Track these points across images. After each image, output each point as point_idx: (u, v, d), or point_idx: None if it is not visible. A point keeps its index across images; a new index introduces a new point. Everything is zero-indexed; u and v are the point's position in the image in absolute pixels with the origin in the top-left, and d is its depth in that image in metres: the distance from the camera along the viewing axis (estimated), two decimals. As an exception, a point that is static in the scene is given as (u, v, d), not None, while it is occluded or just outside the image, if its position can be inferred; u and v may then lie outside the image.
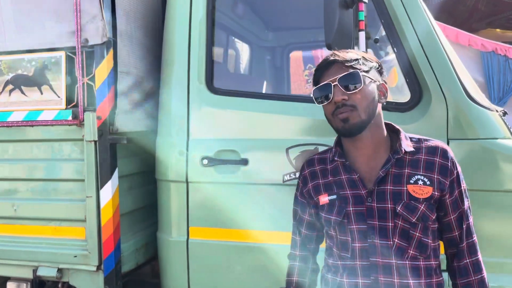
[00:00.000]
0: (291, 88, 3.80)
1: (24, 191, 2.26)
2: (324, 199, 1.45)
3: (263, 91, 2.97)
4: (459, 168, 1.40)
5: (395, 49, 1.96)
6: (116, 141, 2.11)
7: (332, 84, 1.36)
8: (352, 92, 1.33)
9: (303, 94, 3.61)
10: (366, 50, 1.84)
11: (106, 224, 2.12)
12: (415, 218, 1.33)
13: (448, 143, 1.86)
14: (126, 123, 2.21)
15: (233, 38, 2.97)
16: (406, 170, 1.36)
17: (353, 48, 1.76)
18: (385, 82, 1.44)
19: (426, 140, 1.42)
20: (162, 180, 2.28)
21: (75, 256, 2.19)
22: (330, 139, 1.98)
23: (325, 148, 1.99)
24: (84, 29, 2.09)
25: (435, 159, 1.36)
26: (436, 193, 1.34)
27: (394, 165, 1.37)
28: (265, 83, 3.16)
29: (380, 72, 1.42)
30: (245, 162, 2.10)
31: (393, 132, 1.46)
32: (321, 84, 1.39)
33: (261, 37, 3.39)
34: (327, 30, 1.67)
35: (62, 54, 2.16)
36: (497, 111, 2.03)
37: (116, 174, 2.15)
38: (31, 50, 2.19)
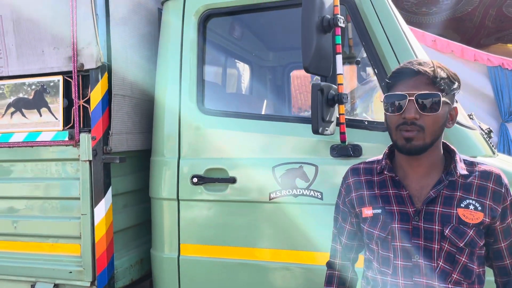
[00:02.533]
0: (291, 107, 3.88)
1: (24, 209, 2.36)
2: (368, 211, 1.41)
3: (256, 110, 3.03)
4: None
5: (375, 69, 2.02)
6: (110, 161, 2.20)
7: (408, 98, 1.28)
8: (426, 113, 1.28)
9: (289, 114, 3.66)
10: (343, 72, 1.90)
11: (99, 241, 2.20)
12: (463, 243, 1.29)
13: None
14: (122, 143, 2.30)
15: (227, 57, 3.06)
16: (457, 193, 1.32)
17: (331, 71, 1.82)
18: (457, 106, 1.40)
19: (480, 164, 1.38)
20: (155, 198, 2.35)
21: (70, 272, 2.26)
22: (314, 158, 2.04)
23: (307, 165, 2.05)
24: (80, 55, 2.21)
25: (488, 184, 1.32)
26: (487, 219, 1.30)
27: (446, 186, 1.33)
28: (257, 102, 3.24)
29: (455, 93, 1.37)
30: (233, 180, 2.16)
31: (448, 152, 1.41)
32: (396, 93, 1.31)
33: (260, 57, 3.48)
34: (305, 53, 1.74)
35: (60, 78, 2.27)
36: (482, 129, 2.06)
37: (109, 192, 2.23)
38: (32, 74, 2.31)
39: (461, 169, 1.35)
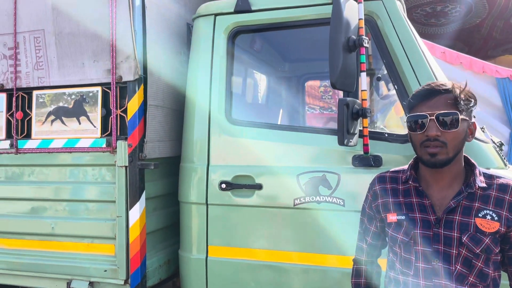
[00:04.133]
0: (306, 115, 4.03)
1: (61, 210, 2.52)
2: (392, 217, 1.53)
3: (280, 120, 3.19)
4: None
5: (395, 86, 2.16)
6: (144, 167, 2.35)
7: (429, 118, 1.41)
8: (447, 130, 1.40)
9: (314, 126, 3.81)
10: (369, 88, 2.04)
11: (133, 242, 2.35)
12: (479, 250, 1.40)
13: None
14: (154, 150, 2.46)
15: (252, 70, 3.23)
16: (476, 204, 1.43)
17: (355, 86, 1.97)
18: (475, 121, 1.50)
19: (498, 177, 1.47)
20: (184, 202, 2.50)
21: (105, 271, 2.41)
22: (336, 167, 2.19)
23: (330, 174, 2.19)
24: (119, 68, 2.37)
25: (506, 196, 1.43)
26: (502, 228, 1.40)
27: (466, 197, 1.44)
28: (281, 112, 3.40)
29: (473, 110, 1.47)
30: (259, 186, 2.31)
31: (468, 165, 1.52)
32: (418, 114, 1.44)
33: (278, 68, 3.64)
34: (332, 70, 1.88)
35: (98, 89, 2.44)
36: (494, 142, 2.19)
37: (143, 196, 2.39)
38: (72, 85, 2.48)
39: (480, 182, 1.46)
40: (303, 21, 2.35)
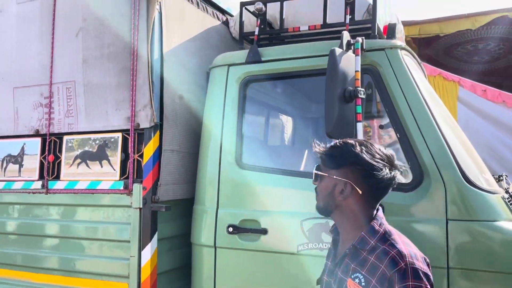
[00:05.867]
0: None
1: (82, 248, 2.68)
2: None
3: (287, 164, 3.23)
4: (404, 284, 1.31)
5: (397, 135, 2.17)
6: (157, 209, 2.48)
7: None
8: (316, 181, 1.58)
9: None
10: (370, 137, 2.06)
11: (144, 282, 2.45)
12: None
13: (447, 224, 1.99)
14: (168, 192, 2.58)
15: (263, 115, 3.33)
16: (353, 264, 1.45)
17: (354, 137, 2.00)
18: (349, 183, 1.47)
19: (391, 242, 1.40)
20: (195, 244, 2.58)
21: (118, 308, 2.52)
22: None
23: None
24: (137, 115, 2.56)
25: (380, 265, 1.37)
26: None
27: (351, 255, 1.47)
28: (289, 155, 3.45)
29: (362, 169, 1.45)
30: (264, 231, 2.35)
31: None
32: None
33: (288, 112, 3.70)
34: (328, 120, 1.94)
35: (119, 135, 2.63)
36: (508, 191, 2.12)
37: (155, 237, 2.50)
38: (96, 131, 2.69)
39: (364, 242, 1.43)
40: (309, 71, 2.44)
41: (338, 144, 1.53)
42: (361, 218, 1.49)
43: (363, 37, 2.20)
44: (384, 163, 1.45)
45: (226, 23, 3.32)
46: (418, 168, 2.10)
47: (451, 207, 2.01)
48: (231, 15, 3.41)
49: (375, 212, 1.52)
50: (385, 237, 1.43)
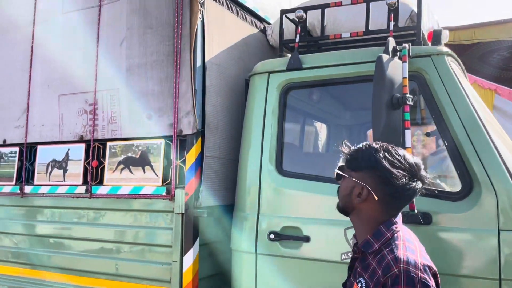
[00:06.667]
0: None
1: (125, 252, 2.73)
2: None
3: (328, 171, 3.21)
4: None
5: (445, 142, 2.13)
6: (199, 214, 2.51)
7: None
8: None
9: None
10: (415, 145, 2.04)
11: (186, 287, 2.47)
12: None
13: (499, 234, 1.93)
14: (209, 198, 2.61)
15: (304, 122, 3.33)
16: (359, 268, 1.45)
17: (400, 145, 1.98)
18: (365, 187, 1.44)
19: (392, 249, 1.36)
20: (235, 250, 2.59)
21: (160, 313, 2.55)
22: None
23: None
24: (180, 122, 2.60)
25: (378, 270, 1.35)
26: None
27: (360, 259, 1.48)
28: (329, 162, 3.42)
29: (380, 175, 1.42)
30: (307, 239, 2.34)
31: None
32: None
33: (325, 119, 3.69)
34: (375, 127, 1.92)
35: (162, 141, 2.67)
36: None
37: (197, 242, 2.52)
38: (139, 137, 2.75)
39: (369, 246, 1.42)
40: (352, 78, 2.43)
41: (363, 147, 1.52)
42: (373, 223, 1.46)
43: (409, 43, 2.18)
44: (405, 173, 1.41)
45: (263, 31, 3.35)
46: (467, 177, 2.05)
47: (503, 217, 1.95)
48: (269, 23, 3.43)
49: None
50: (389, 242, 1.40)
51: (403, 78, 2.03)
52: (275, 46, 3.40)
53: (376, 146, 1.49)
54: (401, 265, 1.29)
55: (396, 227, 1.44)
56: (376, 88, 1.94)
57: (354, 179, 1.47)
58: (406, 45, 2.13)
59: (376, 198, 1.42)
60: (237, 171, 2.73)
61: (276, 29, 3.29)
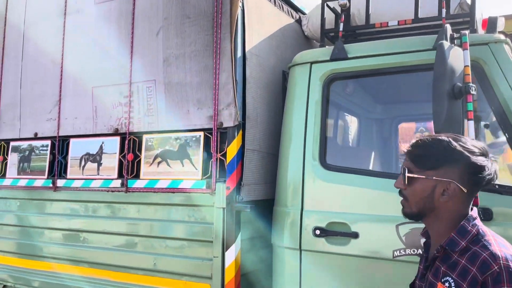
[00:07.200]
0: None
1: (163, 247, 2.67)
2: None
3: (374, 165, 3.12)
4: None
5: (506, 134, 2.03)
6: (241, 209, 2.43)
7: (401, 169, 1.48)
8: (408, 186, 1.42)
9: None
10: (477, 137, 1.94)
11: (229, 283, 2.40)
12: None
13: None
14: (250, 193, 2.54)
15: (346, 115, 3.24)
16: (443, 268, 1.36)
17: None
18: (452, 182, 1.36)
19: (482, 244, 1.30)
20: (277, 246, 2.52)
21: (201, 310, 2.49)
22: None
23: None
24: (220, 114, 2.52)
25: (472, 268, 1.27)
26: None
27: (441, 258, 1.38)
28: (376, 157, 3.33)
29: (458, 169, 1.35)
30: (355, 235, 2.26)
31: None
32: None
33: (374, 112, 3.60)
34: (436, 119, 1.83)
35: (201, 134, 2.60)
36: None
37: (239, 238, 2.45)
38: (177, 130, 2.68)
39: (454, 244, 1.34)
40: (401, 67, 2.33)
41: (428, 141, 1.42)
42: (457, 219, 1.39)
43: (468, 30, 2.07)
44: (485, 157, 1.37)
45: (299, 21, 3.26)
46: (531, 170, 1.96)
47: None
48: (304, 13, 3.34)
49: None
50: (478, 238, 1.33)
51: (465, 66, 1.94)
52: (310, 37, 3.31)
53: (445, 138, 1.40)
54: (501, 262, 1.22)
55: (477, 222, 1.38)
56: (437, 77, 1.84)
57: (434, 177, 1.37)
58: (466, 31, 2.03)
59: (466, 191, 1.35)
60: (276, 165, 2.65)
61: (312, 19, 3.20)
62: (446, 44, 1.88)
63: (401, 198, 1.47)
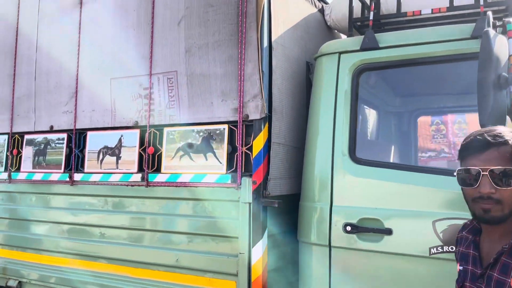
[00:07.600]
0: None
1: (185, 243, 2.59)
2: (459, 267, 1.50)
3: (405, 159, 3.04)
4: None
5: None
6: (269, 204, 2.35)
7: (482, 173, 1.30)
8: (502, 188, 1.28)
9: (449, 168, 3.57)
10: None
11: (256, 280, 2.33)
12: None
13: None
14: (276, 187, 2.45)
15: (377, 107, 3.15)
16: None
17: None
18: None
19: None
20: (304, 242, 2.44)
21: (226, 307, 2.41)
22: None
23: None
24: (246, 106, 2.44)
25: None
26: None
27: (508, 254, 1.30)
28: (406, 151, 3.25)
29: None
30: (389, 231, 2.17)
31: None
32: (469, 168, 1.34)
33: (402, 104, 3.50)
34: (481, 110, 1.75)
35: (225, 127, 2.52)
36: None
37: (266, 234, 2.38)
38: (200, 123, 2.60)
39: None
40: (438, 57, 2.23)
41: (508, 136, 1.32)
42: None
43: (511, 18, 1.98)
44: None
45: (321, 10, 3.16)
46: None
47: None
48: (326, 3, 3.24)
49: None
50: None
51: (510, 56, 1.84)
52: (332, 27, 3.21)
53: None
54: None
55: None
56: (483, 67, 1.76)
57: None
58: (511, 19, 1.93)
59: None
60: (300, 158, 2.57)
61: (336, 8, 3.10)
62: (492, 32, 1.80)
63: (483, 202, 1.32)
